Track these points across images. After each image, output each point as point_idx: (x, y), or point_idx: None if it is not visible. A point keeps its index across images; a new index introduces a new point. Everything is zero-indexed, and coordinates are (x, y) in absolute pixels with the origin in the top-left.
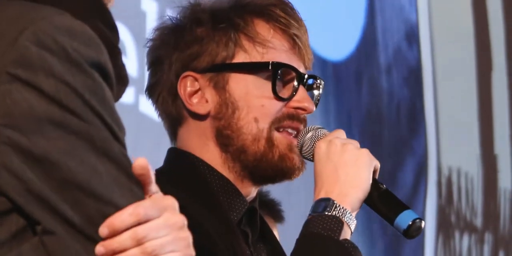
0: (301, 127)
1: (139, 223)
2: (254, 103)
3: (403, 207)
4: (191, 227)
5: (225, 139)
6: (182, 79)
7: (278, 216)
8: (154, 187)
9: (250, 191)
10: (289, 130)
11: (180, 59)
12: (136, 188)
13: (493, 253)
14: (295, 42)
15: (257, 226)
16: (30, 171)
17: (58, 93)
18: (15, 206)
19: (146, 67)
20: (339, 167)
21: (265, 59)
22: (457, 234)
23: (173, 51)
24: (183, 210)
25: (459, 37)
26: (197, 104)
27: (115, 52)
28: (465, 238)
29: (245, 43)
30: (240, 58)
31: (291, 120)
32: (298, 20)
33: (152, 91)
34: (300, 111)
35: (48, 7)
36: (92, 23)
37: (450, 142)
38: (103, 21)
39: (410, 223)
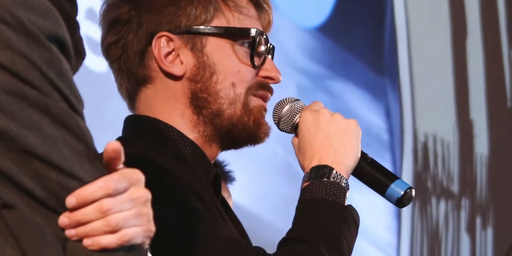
0: (269, 96)
1: (107, 196)
2: (232, 68)
3: (393, 176)
4: (175, 181)
5: (200, 101)
6: (157, 39)
7: (228, 177)
8: (121, 159)
9: (215, 156)
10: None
11: (153, 19)
12: (95, 160)
13: (470, 218)
14: (264, 9)
15: (220, 191)
16: None
17: (16, 65)
18: None
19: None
20: (330, 135)
21: (243, 26)
22: (433, 200)
23: (145, 10)
24: (160, 169)
25: (433, 4)
26: (171, 64)
27: (73, 25)
28: (442, 204)
29: (224, 8)
30: (218, 22)
31: (263, 89)
32: None
33: (112, 50)
34: (269, 81)
35: None
36: None
37: (426, 108)
38: None
39: (403, 192)
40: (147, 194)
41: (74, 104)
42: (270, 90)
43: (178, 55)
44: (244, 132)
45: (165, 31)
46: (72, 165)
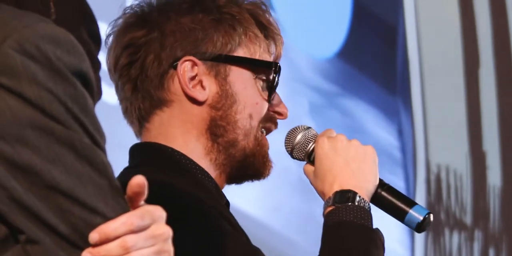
0: (273, 130)
1: (130, 233)
2: (251, 100)
3: (412, 202)
4: (203, 203)
5: (218, 129)
6: (182, 62)
7: None
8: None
9: (223, 186)
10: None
11: (179, 43)
12: (119, 197)
13: (483, 250)
14: (277, 42)
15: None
16: (14, 179)
17: (42, 100)
18: None
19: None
20: (350, 161)
21: (262, 58)
22: (447, 232)
23: (169, 33)
24: (186, 193)
25: (446, 34)
26: (194, 89)
27: (95, 65)
28: (455, 236)
29: (247, 40)
30: (242, 53)
31: (272, 123)
32: (275, 21)
33: (127, 70)
34: (278, 116)
35: (32, 14)
36: (78, 33)
37: (439, 140)
38: (89, 32)
39: (423, 218)
40: (168, 231)
41: (97, 140)
42: (276, 125)
43: (200, 81)
44: (253, 166)
45: (190, 55)
46: (96, 201)
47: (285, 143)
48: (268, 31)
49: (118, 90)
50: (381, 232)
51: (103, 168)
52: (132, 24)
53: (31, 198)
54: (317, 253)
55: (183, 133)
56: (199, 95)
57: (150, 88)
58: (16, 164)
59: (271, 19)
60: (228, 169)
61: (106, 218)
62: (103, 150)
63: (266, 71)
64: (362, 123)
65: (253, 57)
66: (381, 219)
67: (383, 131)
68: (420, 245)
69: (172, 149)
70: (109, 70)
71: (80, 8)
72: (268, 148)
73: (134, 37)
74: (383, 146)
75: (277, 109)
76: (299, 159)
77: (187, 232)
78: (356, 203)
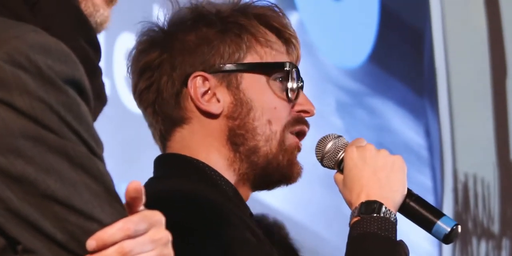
0: (306, 130)
1: (127, 238)
2: (268, 105)
3: (439, 213)
4: (229, 214)
5: (238, 138)
6: (192, 79)
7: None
8: (142, 200)
9: (247, 197)
10: (298, 135)
11: (187, 60)
12: (116, 203)
13: None
14: (293, 43)
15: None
16: (8, 189)
17: (33, 110)
18: None
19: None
20: (378, 171)
21: (276, 60)
22: (474, 241)
23: (177, 53)
24: (212, 202)
25: (472, 39)
26: (208, 103)
27: (96, 71)
28: (483, 245)
29: (256, 44)
30: (251, 59)
31: (300, 124)
32: (290, 23)
33: (145, 95)
34: (304, 114)
35: (23, 25)
36: (76, 42)
37: (466, 149)
38: (87, 40)
39: (450, 229)
40: (167, 235)
41: (92, 147)
42: (307, 124)
43: (214, 94)
44: (278, 171)
45: (200, 70)
46: (92, 208)
47: (316, 151)
48: (282, 33)
49: (144, 116)
50: (405, 244)
51: (99, 175)
52: (145, 49)
53: (27, 208)
54: (344, 248)
55: (205, 147)
56: (213, 108)
57: (167, 110)
58: (10, 174)
59: (284, 21)
60: (251, 177)
61: (103, 225)
62: (99, 157)
63: (281, 73)
64: (390, 122)
65: (263, 61)
66: (408, 226)
67: (410, 131)
68: (447, 255)
69: (197, 160)
70: (134, 99)
71: (76, 15)
72: (295, 152)
73: (147, 61)
74: (411, 146)
75: (301, 107)
76: (329, 168)
77: (211, 241)
78: (382, 214)
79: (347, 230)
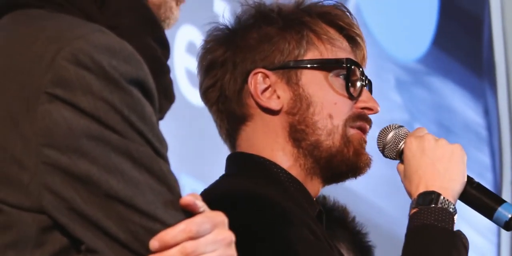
0: (368, 127)
1: (189, 239)
2: (328, 100)
3: (500, 200)
4: (289, 213)
5: (299, 134)
6: (253, 76)
7: (367, 247)
8: (202, 204)
9: (317, 191)
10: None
11: (248, 57)
12: (178, 203)
13: None
14: (358, 42)
15: (324, 227)
16: (72, 189)
17: (97, 110)
18: (57, 224)
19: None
20: (436, 161)
21: (337, 57)
22: None
23: (238, 50)
24: (273, 202)
25: None
26: (269, 100)
27: (163, 70)
28: None
29: (316, 41)
30: (311, 55)
31: (361, 120)
32: (356, 23)
33: (210, 93)
34: (367, 111)
35: (88, 24)
36: (144, 40)
37: None
38: (155, 38)
39: (511, 215)
40: (230, 236)
41: (156, 147)
42: (369, 121)
43: (275, 91)
44: (344, 163)
45: (260, 67)
46: (155, 209)
47: (377, 141)
48: (346, 32)
49: (211, 114)
50: (463, 235)
51: (162, 175)
52: (210, 48)
53: (90, 207)
54: (404, 221)
55: (269, 144)
56: (273, 104)
57: (231, 108)
58: (74, 174)
59: (349, 20)
60: (318, 171)
61: (166, 225)
62: (163, 157)
63: (341, 69)
64: (449, 101)
65: (324, 57)
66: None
67: (470, 110)
68: (506, 248)
69: (264, 159)
70: (200, 96)
71: (144, 14)
72: (362, 143)
73: (212, 59)
74: (470, 125)
75: (365, 104)
76: (391, 158)
77: (270, 241)
78: (439, 205)
79: (407, 202)
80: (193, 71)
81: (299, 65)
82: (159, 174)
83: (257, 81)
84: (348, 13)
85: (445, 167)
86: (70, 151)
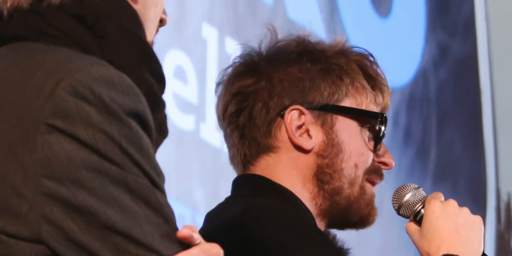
0: (379, 182)
1: None
2: (357, 150)
3: None
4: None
5: (325, 176)
6: (290, 111)
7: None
8: (198, 237)
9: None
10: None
11: (287, 91)
12: (174, 235)
13: None
14: (385, 93)
15: None
16: (70, 220)
17: (96, 142)
18: (54, 254)
19: (210, 93)
20: (459, 228)
21: (370, 109)
22: None
23: (277, 82)
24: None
25: None
26: (301, 138)
27: (159, 104)
28: None
29: (353, 89)
30: (348, 103)
31: (376, 174)
32: (383, 74)
33: (235, 118)
34: (383, 166)
35: (87, 57)
36: (141, 74)
37: (508, 168)
38: (152, 73)
39: None
40: None
41: (154, 179)
42: (382, 177)
43: (307, 130)
44: (358, 214)
45: (298, 104)
46: (152, 240)
47: (393, 200)
48: (375, 82)
49: (226, 137)
50: None
51: (159, 206)
52: (242, 73)
53: (88, 238)
54: None
55: (290, 177)
56: (306, 143)
57: (257, 136)
58: (72, 205)
59: (378, 70)
60: (330, 215)
61: None
62: (160, 189)
63: (372, 122)
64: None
65: (359, 107)
66: None
67: None
68: None
69: (280, 185)
70: (218, 117)
71: (142, 48)
72: (374, 197)
73: (243, 85)
74: None
75: (382, 159)
76: (405, 217)
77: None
78: None
79: None
80: (180, 96)
81: (336, 110)
82: (156, 206)
83: (293, 117)
84: (375, 63)
85: (467, 235)
86: (69, 182)
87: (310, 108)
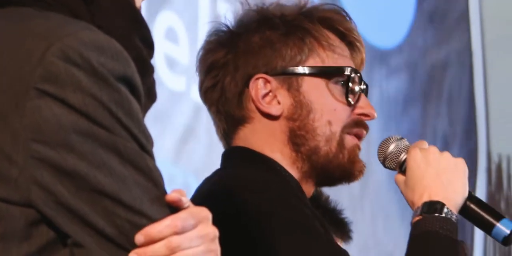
0: (364, 133)
1: (175, 234)
2: (328, 107)
3: (500, 216)
4: (301, 203)
5: (298, 139)
6: (254, 81)
7: (347, 236)
8: (186, 200)
9: (310, 192)
10: (355, 137)
11: (250, 61)
12: (163, 198)
13: None
14: (357, 47)
15: None
16: (60, 184)
17: (86, 106)
18: (44, 218)
19: (197, 59)
20: (441, 173)
21: (337, 64)
22: None
23: (241, 53)
24: (284, 191)
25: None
26: (269, 105)
27: (148, 70)
28: None
29: (318, 48)
30: (313, 62)
31: (358, 127)
32: (355, 28)
33: (210, 94)
34: (364, 117)
35: (77, 22)
36: (130, 40)
37: (500, 129)
38: (141, 38)
39: (510, 231)
40: (214, 231)
41: (143, 143)
42: (366, 127)
43: (275, 96)
44: (339, 169)
45: (262, 73)
46: (141, 204)
47: (378, 152)
48: (346, 37)
49: (209, 113)
50: (466, 244)
51: (148, 171)
52: (212, 49)
53: (78, 202)
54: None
55: (268, 145)
56: (274, 110)
57: (230, 109)
58: (62, 169)
59: (349, 25)
60: (314, 176)
61: (152, 220)
62: (149, 154)
63: (342, 77)
64: None
65: (324, 64)
66: None
67: None
68: (480, 234)
69: (263, 155)
70: (200, 96)
71: (131, 14)
72: (356, 150)
73: (213, 60)
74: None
75: (362, 111)
76: (391, 169)
77: (281, 227)
78: (443, 215)
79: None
80: (171, 57)
81: (300, 72)
82: (145, 170)
83: (258, 86)
84: (348, 18)
85: (449, 179)
86: (58, 146)
87: (274, 74)
